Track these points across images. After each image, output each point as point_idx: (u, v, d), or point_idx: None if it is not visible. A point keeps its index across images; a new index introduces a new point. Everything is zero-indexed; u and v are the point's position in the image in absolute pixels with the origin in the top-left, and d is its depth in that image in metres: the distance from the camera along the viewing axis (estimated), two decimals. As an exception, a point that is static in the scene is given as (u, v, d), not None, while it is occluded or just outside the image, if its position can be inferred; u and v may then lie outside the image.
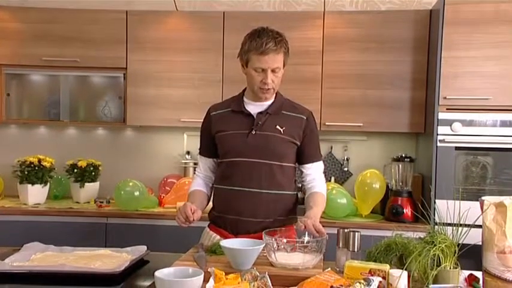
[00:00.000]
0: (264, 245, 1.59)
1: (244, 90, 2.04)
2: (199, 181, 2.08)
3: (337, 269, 1.61)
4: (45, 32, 3.27)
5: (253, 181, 1.90)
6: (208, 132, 2.02)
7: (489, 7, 2.76)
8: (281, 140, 1.93)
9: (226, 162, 1.96)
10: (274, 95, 2.00)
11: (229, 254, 1.57)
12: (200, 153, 2.11)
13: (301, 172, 2.04)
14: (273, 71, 1.87)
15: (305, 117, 1.99)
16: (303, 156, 2.01)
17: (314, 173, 2.02)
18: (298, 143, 1.97)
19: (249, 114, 1.95)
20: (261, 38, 1.84)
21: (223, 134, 1.96)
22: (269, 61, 1.85)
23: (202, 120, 2.09)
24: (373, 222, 2.93)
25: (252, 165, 1.90)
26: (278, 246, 1.60)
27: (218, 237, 1.95)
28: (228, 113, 1.99)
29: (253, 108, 1.97)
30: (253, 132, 1.92)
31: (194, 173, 3.37)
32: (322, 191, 2.00)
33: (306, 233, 1.70)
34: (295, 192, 2.02)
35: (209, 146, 2.04)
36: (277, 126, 1.93)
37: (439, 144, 2.81)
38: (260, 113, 1.95)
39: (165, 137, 3.61)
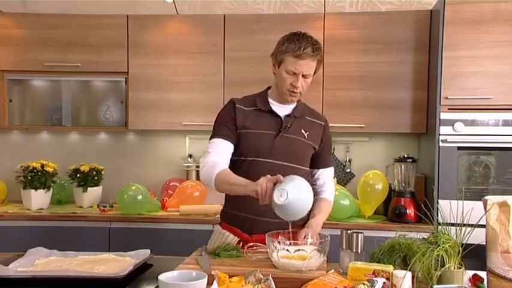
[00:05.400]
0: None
1: (267, 90, 2.02)
2: (223, 161, 1.86)
3: (341, 271, 1.61)
4: (46, 37, 3.29)
5: None
6: (233, 120, 1.93)
7: (489, 7, 2.76)
8: (305, 145, 1.96)
9: (249, 161, 1.91)
10: None
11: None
12: (218, 136, 1.92)
13: (313, 176, 2.06)
14: (303, 76, 1.87)
15: (323, 124, 2.04)
16: (317, 161, 2.04)
17: (325, 178, 2.06)
18: (317, 148, 2.00)
19: (277, 116, 1.95)
20: (300, 42, 1.84)
21: (249, 132, 1.92)
22: (304, 66, 1.84)
23: (221, 110, 2.01)
24: (376, 223, 2.93)
25: (274, 166, 1.88)
26: (281, 248, 1.60)
27: (231, 235, 1.92)
28: (254, 111, 1.96)
29: (280, 109, 1.96)
30: (281, 134, 1.92)
31: (197, 176, 3.44)
32: (330, 198, 2.05)
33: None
34: None
35: (232, 132, 1.92)
36: (302, 131, 1.96)
37: (441, 144, 2.81)
38: (287, 115, 1.95)
39: (167, 141, 3.61)
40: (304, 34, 1.88)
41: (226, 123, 1.94)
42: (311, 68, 1.87)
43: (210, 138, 1.97)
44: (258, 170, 1.87)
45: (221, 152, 1.90)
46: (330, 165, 2.09)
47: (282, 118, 1.95)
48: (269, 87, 2.03)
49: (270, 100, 1.98)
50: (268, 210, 1.78)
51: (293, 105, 1.99)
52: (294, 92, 1.89)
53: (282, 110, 1.97)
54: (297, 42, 1.84)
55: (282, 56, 1.88)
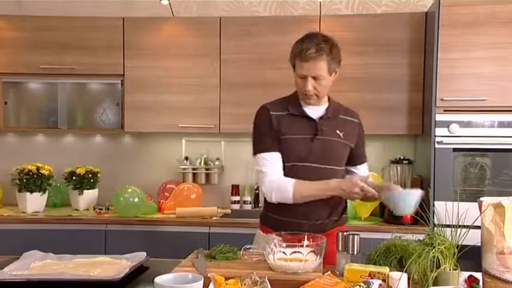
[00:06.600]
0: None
1: (297, 92, 1.99)
2: (280, 174, 1.88)
3: (337, 273, 1.60)
4: (42, 39, 3.28)
5: None
6: (272, 129, 1.91)
7: (484, 9, 2.77)
8: (341, 145, 1.95)
9: (289, 167, 1.90)
10: (327, 98, 1.98)
11: None
12: (264, 150, 1.91)
13: (352, 173, 2.05)
14: (314, 78, 1.84)
15: (358, 121, 2.04)
16: (354, 158, 2.04)
17: (364, 173, 2.06)
18: (353, 146, 2.00)
19: (310, 118, 1.92)
20: (304, 44, 1.82)
21: (285, 137, 1.90)
22: (309, 68, 1.82)
23: (256, 118, 1.97)
24: (372, 225, 2.93)
25: (314, 170, 1.88)
26: (278, 250, 1.60)
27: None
28: (287, 115, 1.92)
29: (313, 112, 1.93)
30: (317, 137, 1.90)
31: (193, 178, 3.44)
32: None
33: None
34: None
35: (275, 141, 1.90)
36: (337, 131, 1.94)
37: (437, 145, 2.81)
38: (321, 117, 1.93)
39: (163, 143, 3.60)
40: (312, 34, 1.86)
41: (267, 134, 1.92)
42: (318, 69, 1.83)
43: (255, 153, 1.95)
44: (299, 174, 1.88)
45: (274, 169, 1.89)
46: (365, 160, 2.10)
47: (317, 120, 1.92)
48: None
49: (302, 103, 1.95)
50: (312, 213, 1.83)
51: (325, 106, 1.96)
52: (306, 95, 1.87)
53: (315, 112, 1.94)
54: (301, 43, 1.83)
55: (293, 59, 1.88)
